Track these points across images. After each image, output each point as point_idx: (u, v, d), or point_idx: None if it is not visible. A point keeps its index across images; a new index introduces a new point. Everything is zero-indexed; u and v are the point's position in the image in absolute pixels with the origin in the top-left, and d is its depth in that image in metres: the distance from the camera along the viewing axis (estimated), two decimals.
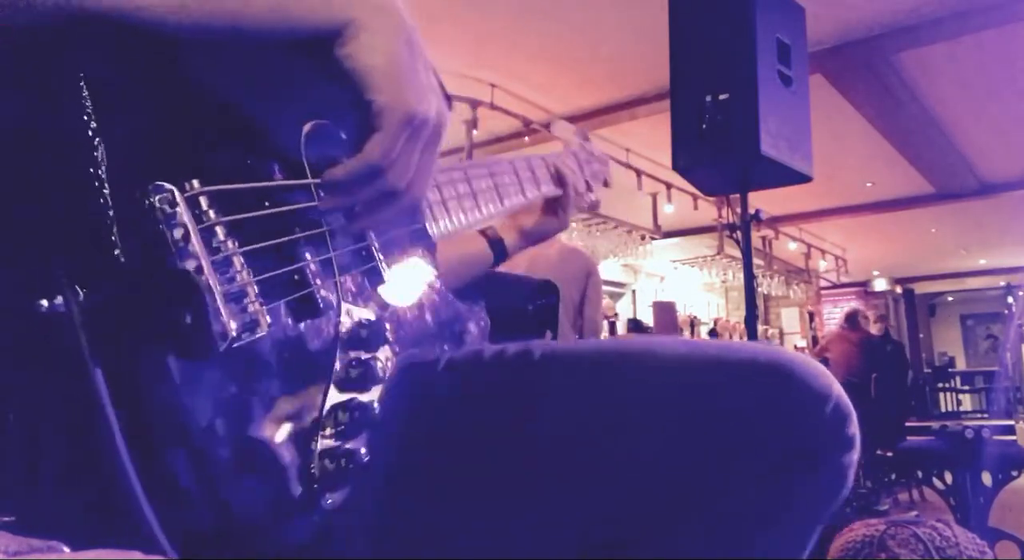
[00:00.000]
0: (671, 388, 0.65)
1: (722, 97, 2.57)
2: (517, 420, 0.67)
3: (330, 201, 0.62)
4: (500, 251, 1.14)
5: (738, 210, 2.87)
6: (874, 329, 7.32)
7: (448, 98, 0.88)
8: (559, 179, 1.16)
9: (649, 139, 6.32)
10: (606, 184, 1.35)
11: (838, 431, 0.63)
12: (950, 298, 15.96)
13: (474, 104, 5.46)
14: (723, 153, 2.61)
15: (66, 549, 0.41)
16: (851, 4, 4.61)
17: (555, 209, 1.18)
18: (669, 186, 7.09)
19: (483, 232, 1.14)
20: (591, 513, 0.65)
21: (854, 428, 0.64)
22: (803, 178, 2.77)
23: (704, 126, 2.59)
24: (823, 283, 12.61)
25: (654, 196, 7.52)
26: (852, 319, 6.99)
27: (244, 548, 0.52)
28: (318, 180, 0.62)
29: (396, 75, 0.59)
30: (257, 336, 0.53)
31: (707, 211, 7.99)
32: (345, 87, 0.59)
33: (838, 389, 0.64)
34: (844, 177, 7.78)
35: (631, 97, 5.93)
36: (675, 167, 2.73)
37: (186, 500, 0.49)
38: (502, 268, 1.19)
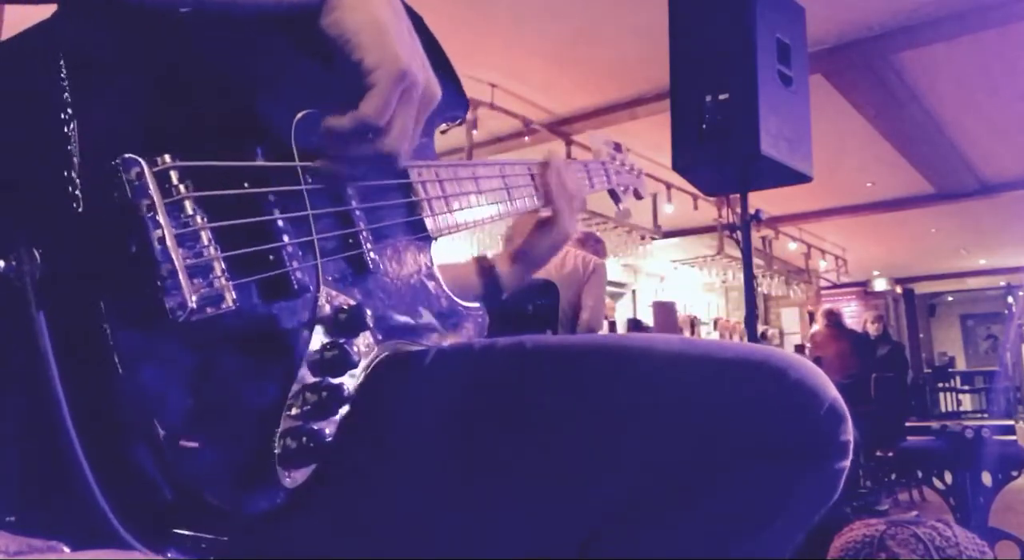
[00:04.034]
0: (662, 383, 0.63)
1: (722, 97, 2.57)
2: (505, 411, 0.66)
3: (322, 160, 0.61)
4: (491, 281, 0.99)
5: (738, 210, 2.87)
6: (872, 329, 7.33)
7: (466, 101, 0.88)
8: (544, 191, 1.02)
9: (649, 139, 6.31)
10: (638, 196, 1.32)
11: (831, 434, 0.61)
12: (950, 298, 15.95)
13: (474, 104, 5.46)
14: (723, 153, 2.61)
15: (66, 549, 0.41)
16: (851, 4, 4.61)
17: (547, 223, 1.04)
18: (669, 186, 7.09)
19: (479, 259, 1.01)
20: (575, 505, 0.64)
21: (848, 434, 0.62)
22: (803, 178, 2.77)
23: (704, 126, 2.59)
24: (823, 283, 12.60)
25: (654, 196, 7.51)
26: (836, 318, 6.98)
27: (203, 523, 0.52)
28: (304, 163, 0.62)
29: (383, 33, 0.59)
30: (221, 310, 0.53)
31: (707, 211, 7.99)
32: (335, 61, 0.59)
33: (834, 393, 0.62)
34: (844, 177, 7.78)
35: (631, 97, 5.93)
36: (675, 167, 2.73)
37: (142, 476, 0.49)
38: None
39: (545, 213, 1.04)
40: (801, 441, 0.61)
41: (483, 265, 1.00)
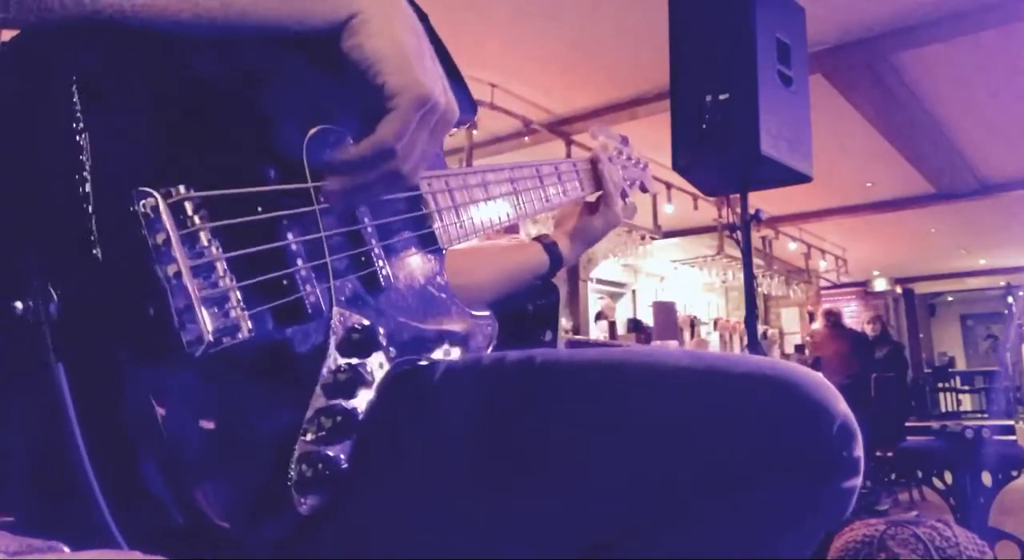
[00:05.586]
0: (672, 398, 0.63)
1: (722, 97, 2.57)
2: (515, 427, 0.65)
3: (337, 182, 0.61)
4: (556, 257, 1.11)
5: (738, 210, 2.87)
6: (869, 330, 7.33)
7: (473, 104, 0.88)
8: (596, 177, 1.15)
9: (649, 139, 6.29)
10: (644, 189, 1.33)
11: (842, 451, 0.61)
12: (950, 298, 15.95)
13: None
14: (723, 153, 2.61)
15: (66, 549, 0.41)
16: (851, 4, 4.61)
17: (596, 207, 1.16)
18: (669, 186, 7.09)
19: (538, 238, 1.12)
20: (586, 521, 0.63)
21: (859, 451, 0.62)
22: (803, 178, 2.77)
23: (704, 126, 2.59)
24: (823, 283, 12.60)
25: (654, 196, 7.51)
26: (835, 318, 6.99)
27: (216, 549, 0.52)
28: (316, 184, 0.62)
29: (406, 57, 0.59)
30: (237, 340, 0.53)
31: (707, 211, 7.99)
32: (354, 81, 0.59)
33: (845, 409, 0.62)
34: (844, 177, 7.78)
35: (631, 97, 5.93)
36: (675, 167, 2.72)
37: (155, 502, 0.49)
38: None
39: (591, 199, 1.16)
40: (811, 458, 0.60)
41: (545, 243, 1.11)
